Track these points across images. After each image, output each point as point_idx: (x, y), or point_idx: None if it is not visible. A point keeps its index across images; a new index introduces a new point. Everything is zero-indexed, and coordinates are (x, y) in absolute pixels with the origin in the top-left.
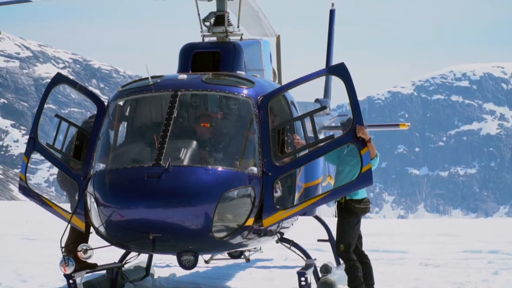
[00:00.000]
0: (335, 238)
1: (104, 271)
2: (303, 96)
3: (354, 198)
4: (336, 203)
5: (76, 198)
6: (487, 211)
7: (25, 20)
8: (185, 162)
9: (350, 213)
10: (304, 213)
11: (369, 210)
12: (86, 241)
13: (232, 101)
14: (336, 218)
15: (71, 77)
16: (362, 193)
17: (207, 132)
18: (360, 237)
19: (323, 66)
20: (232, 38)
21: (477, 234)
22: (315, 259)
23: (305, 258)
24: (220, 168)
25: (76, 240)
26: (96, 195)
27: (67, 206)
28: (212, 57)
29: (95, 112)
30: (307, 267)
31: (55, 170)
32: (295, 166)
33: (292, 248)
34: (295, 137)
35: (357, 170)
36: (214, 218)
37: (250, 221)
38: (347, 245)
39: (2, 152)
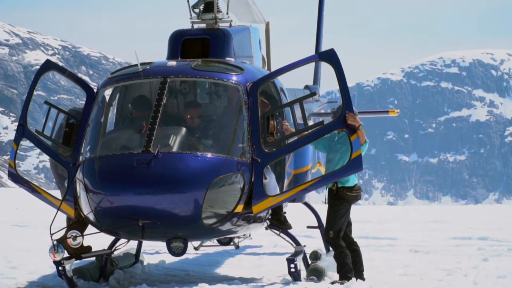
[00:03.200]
0: (324, 225)
1: (94, 258)
2: (292, 83)
3: (345, 185)
4: (327, 190)
5: (65, 184)
6: (476, 197)
7: (15, 7)
8: (175, 149)
9: (341, 201)
10: (293, 199)
11: (360, 197)
12: (82, 228)
13: (221, 88)
14: (327, 205)
15: (60, 64)
16: (353, 180)
17: (196, 118)
18: (349, 224)
19: (312, 53)
20: (222, 25)
21: (466, 220)
22: (304, 245)
23: (294, 245)
24: (209, 155)
25: (72, 227)
26: (85, 181)
27: (56, 193)
28: (201, 43)
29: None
30: (296, 253)
31: (45, 157)
32: (284, 152)
33: (282, 234)
34: (284, 124)
35: (346, 157)
36: (204, 204)
37: (240, 208)
38: (336, 231)
39: None
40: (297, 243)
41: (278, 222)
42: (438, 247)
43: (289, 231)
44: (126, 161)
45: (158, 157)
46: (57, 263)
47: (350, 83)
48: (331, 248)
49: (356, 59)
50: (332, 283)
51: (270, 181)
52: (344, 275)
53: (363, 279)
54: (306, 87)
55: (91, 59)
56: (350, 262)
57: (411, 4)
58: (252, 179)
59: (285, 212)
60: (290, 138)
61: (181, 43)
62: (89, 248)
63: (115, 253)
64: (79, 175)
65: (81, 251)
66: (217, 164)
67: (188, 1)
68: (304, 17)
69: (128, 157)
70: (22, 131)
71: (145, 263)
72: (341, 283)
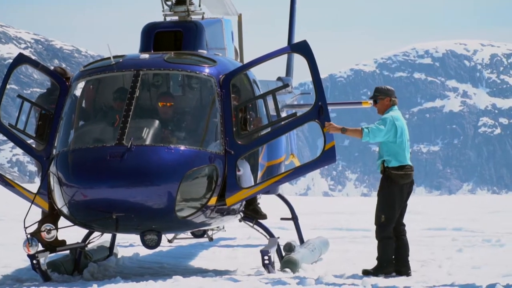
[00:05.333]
0: (297, 216)
1: (68, 251)
2: (265, 75)
3: (389, 165)
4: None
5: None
6: (450, 188)
7: None
8: (148, 142)
9: (389, 182)
10: (267, 191)
11: (409, 177)
12: (55, 221)
13: (194, 80)
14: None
15: (33, 57)
16: (400, 160)
17: (169, 111)
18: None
19: (285, 44)
20: (194, 17)
21: (440, 211)
22: (278, 237)
23: (268, 237)
24: (182, 147)
25: (45, 220)
26: (59, 175)
27: (30, 187)
28: (174, 36)
29: (49, 87)
30: (270, 245)
31: (18, 150)
32: (257, 144)
33: (255, 226)
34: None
35: (388, 139)
36: (177, 197)
37: (213, 200)
38: (389, 218)
39: None
40: (271, 235)
41: (253, 212)
42: (412, 238)
43: (263, 222)
44: (100, 154)
45: (131, 150)
46: (31, 257)
47: (323, 75)
48: (305, 240)
49: (328, 50)
50: (364, 272)
51: (244, 173)
52: (379, 266)
53: (407, 268)
54: (279, 78)
55: (63, 53)
56: (391, 254)
57: None
58: (226, 171)
59: (258, 203)
60: (263, 130)
61: (154, 36)
62: (63, 242)
63: (89, 246)
64: (52, 168)
65: (56, 245)
66: (190, 156)
67: None
68: (277, 9)
69: (101, 150)
70: None
71: (119, 256)
72: (373, 274)
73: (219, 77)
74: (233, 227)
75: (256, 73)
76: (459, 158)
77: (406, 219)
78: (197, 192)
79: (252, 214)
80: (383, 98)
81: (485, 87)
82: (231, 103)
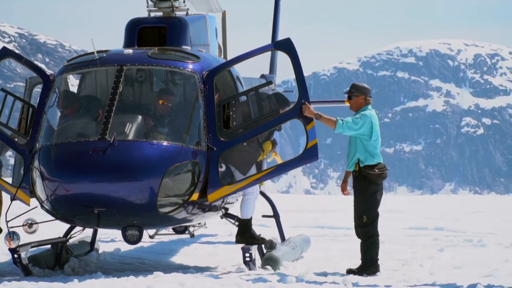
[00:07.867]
0: (279, 214)
1: (49, 246)
2: (248, 72)
3: (366, 164)
4: (352, 174)
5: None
6: (432, 188)
7: None
8: (130, 137)
9: (367, 182)
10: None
11: (385, 176)
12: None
13: (177, 76)
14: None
15: (16, 51)
16: (373, 158)
17: (152, 106)
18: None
19: (268, 42)
20: (178, 13)
21: (422, 211)
22: (259, 235)
23: None
24: (165, 143)
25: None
26: (41, 169)
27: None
28: (158, 32)
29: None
30: None
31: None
32: (240, 141)
33: (237, 223)
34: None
35: (362, 134)
36: (159, 193)
37: (195, 196)
38: (372, 217)
39: None
40: None
41: (251, 239)
42: (393, 237)
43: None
44: (82, 148)
45: (114, 145)
46: (13, 251)
47: (306, 72)
48: (286, 237)
49: (312, 48)
50: (348, 271)
51: (226, 169)
52: (363, 266)
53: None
54: (262, 76)
55: (47, 47)
56: (376, 253)
57: None
58: (208, 168)
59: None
60: (246, 127)
61: (138, 32)
62: None
63: (70, 241)
64: (35, 162)
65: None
66: (173, 152)
67: None
68: (261, 6)
69: (84, 144)
70: None
71: (100, 251)
72: (358, 274)
73: (202, 73)
74: (214, 223)
75: (239, 70)
76: (441, 157)
77: (388, 218)
78: (179, 188)
79: (250, 240)
80: (358, 95)
81: (469, 87)
82: (214, 99)
